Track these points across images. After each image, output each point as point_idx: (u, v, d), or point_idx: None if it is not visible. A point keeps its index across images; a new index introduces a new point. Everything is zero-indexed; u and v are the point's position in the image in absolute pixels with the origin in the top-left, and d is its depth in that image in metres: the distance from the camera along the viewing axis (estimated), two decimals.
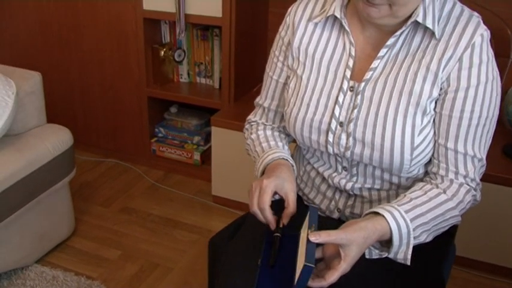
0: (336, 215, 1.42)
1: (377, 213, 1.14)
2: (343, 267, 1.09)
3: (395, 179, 1.32)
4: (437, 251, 1.40)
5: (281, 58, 1.43)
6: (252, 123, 1.56)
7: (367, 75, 1.26)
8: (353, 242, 1.08)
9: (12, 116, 2.12)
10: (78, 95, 3.20)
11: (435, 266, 1.38)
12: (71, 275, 2.30)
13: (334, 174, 1.38)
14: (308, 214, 1.16)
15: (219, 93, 2.92)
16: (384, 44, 1.25)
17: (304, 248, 1.07)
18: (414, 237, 1.15)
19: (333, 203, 1.41)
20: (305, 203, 1.50)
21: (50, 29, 3.10)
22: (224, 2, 2.59)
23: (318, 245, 1.13)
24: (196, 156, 3.04)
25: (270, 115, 1.51)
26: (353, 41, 1.29)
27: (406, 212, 1.15)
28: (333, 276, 1.09)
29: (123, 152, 3.24)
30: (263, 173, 1.34)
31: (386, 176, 1.32)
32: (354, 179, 1.35)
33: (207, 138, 3.06)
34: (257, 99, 1.54)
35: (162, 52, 2.94)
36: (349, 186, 1.35)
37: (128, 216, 2.73)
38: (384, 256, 1.19)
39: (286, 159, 1.35)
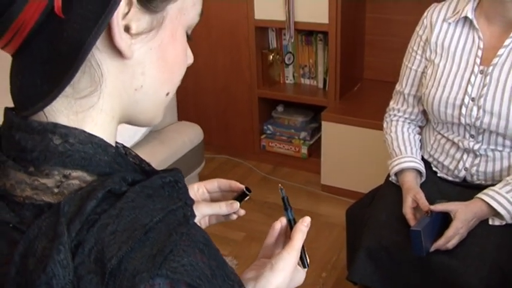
0: (462, 174, 1.72)
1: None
2: (455, 224, 1.52)
3: None
4: None
5: (419, 52, 1.75)
6: (392, 115, 1.88)
7: (495, 60, 1.59)
8: (458, 207, 1.54)
9: None
10: (191, 98, 3.57)
11: None
12: None
13: (463, 140, 1.68)
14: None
15: (323, 92, 3.22)
16: (506, 36, 1.57)
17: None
18: None
19: (460, 163, 1.71)
20: (434, 168, 1.81)
21: None
22: (330, 10, 2.88)
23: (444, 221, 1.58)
24: (304, 150, 3.34)
25: (410, 99, 1.81)
26: (481, 36, 1.61)
27: (507, 192, 1.53)
28: (449, 233, 1.52)
29: (234, 148, 3.58)
30: (395, 174, 1.79)
31: (507, 142, 1.61)
32: (480, 144, 1.65)
33: (313, 133, 3.37)
34: (397, 88, 1.86)
35: (271, 56, 3.26)
36: (476, 147, 1.65)
37: (246, 203, 3.02)
38: (504, 223, 1.56)
39: (411, 168, 1.74)
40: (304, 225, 0.90)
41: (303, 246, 0.91)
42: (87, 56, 0.57)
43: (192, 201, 0.65)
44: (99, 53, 0.59)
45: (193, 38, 0.70)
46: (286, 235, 0.94)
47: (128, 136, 2.35)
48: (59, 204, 0.55)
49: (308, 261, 0.93)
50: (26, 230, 0.55)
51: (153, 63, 0.63)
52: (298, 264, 0.91)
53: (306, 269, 0.93)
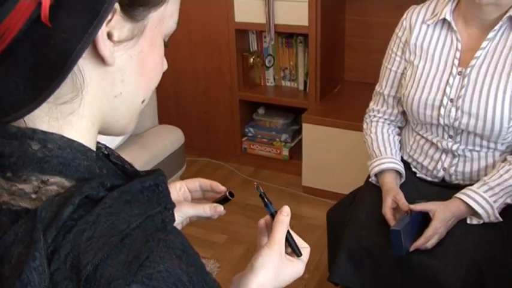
0: (441, 174, 1.74)
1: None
2: (434, 224, 1.54)
3: (492, 145, 1.64)
4: None
5: (399, 53, 1.77)
6: (372, 116, 1.89)
7: (472, 62, 1.61)
8: (437, 207, 1.57)
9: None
10: (172, 101, 3.56)
11: None
12: None
13: (441, 140, 1.70)
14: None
15: (304, 94, 3.24)
16: (484, 38, 1.60)
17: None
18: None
19: (439, 163, 1.73)
20: (413, 169, 1.83)
21: None
22: (310, 12, 2.90)
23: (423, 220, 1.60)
24: (285, 152, 3.35)
25: (390, 100, 1.83)
26: (459, 38, 1.63)
27: (484, 192, 1.56)
28: (428, 232, 1.54)
29: (215, 151, 3.57)
30: (375, 175, 1.80)
31: (484, 142, 1.63)
32: (458, 144, 1.67)
33: (294, 135, 3.38)
34: (377, 89, 1.87)
35: (251, 59, 3.27)
36: (454, 147, 1.67)
37: (228, 206, 3.04)
38: (481, 222, 1.59)
39: (391, 169, 1.76)
40: (283, 215, 0.90)
41: (291, 236, 0.90)
42: (74, 65, 0.57)
43: (173, 205, 0.65)
44: (82, 60, 0.59)
45: (173, 42, 0.71)
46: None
47: (107, 141, 2.33)
48: (35, 210, 0.55)
49: (307, 250, 0.91)
50: (2, 236, 0.55)
51: (133, 71, 0.64)
52: (291, 255, 0.90)
53: (303, 259, 0.91)
